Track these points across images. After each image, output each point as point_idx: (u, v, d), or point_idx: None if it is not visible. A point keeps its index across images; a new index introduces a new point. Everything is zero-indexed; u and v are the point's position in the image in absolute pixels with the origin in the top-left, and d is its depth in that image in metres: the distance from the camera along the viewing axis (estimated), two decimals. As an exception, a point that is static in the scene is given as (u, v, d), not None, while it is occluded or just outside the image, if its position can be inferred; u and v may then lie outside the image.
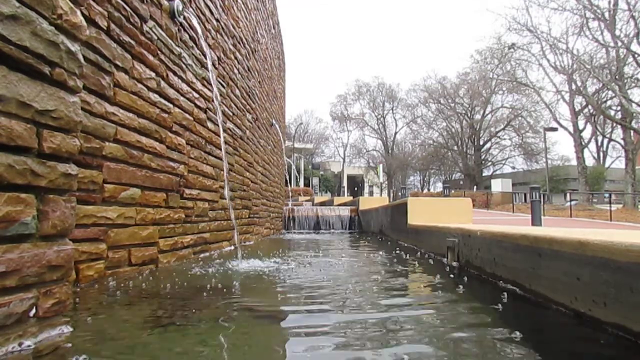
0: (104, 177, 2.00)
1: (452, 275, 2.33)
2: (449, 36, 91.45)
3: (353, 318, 1.38)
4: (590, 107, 24.19)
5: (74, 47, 1.13)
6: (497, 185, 31.10)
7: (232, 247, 4.05)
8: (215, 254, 3.47)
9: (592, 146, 29.83)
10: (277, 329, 1.33)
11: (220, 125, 3.59)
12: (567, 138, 47.86)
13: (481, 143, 37.14)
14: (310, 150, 41.67)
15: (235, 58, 4.53)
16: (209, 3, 3.61)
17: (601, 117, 25.12)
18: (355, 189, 44.66)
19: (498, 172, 39.17)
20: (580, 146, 25.00)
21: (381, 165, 39.46)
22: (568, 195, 24.63)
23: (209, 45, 3.56)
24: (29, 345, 0.98)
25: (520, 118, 34.17)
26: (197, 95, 3.24)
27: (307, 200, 17.75)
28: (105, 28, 2.01)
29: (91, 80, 1.90)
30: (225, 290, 1.83)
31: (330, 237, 6.44)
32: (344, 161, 44.18)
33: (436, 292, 1.88)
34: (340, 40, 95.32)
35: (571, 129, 25.20)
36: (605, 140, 29.16)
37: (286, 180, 11.63)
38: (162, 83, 2.64)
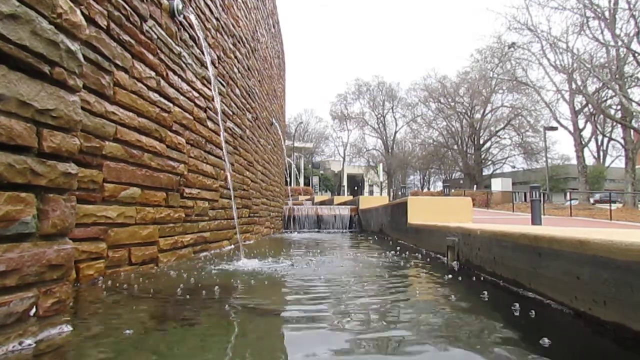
0: (104, 177, 2.00)
1: (452, 275, 2.33)
2: (449, 36, 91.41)
3: (352, 317, 1.38)
4: (590, 106, 24.14)
5: (74, 46, 1.13)
6: (497, 185, 31.09)
7: (232, 246, 4.05)
8: (216, 253, 3.47)
9: (592, 145, 29.82)
10: (278, 326, 1.33)
11: (220, 125, 3.59)
12: (567, 137, 47.90)
13: (481, 142, 37.07)
14: (310, 150, 41.61)
15: (235, 57, 4.53)
16: (209, 2, 3.60)
17: (601, 116, 25.07)
18: (355, 188, 44.65)
19: (498, 171, 39.14)
20: (580, 145, 24.96)
21: (381, 164, 39.38)
22: (568, 194, 24.62)
23: (208, 44, 3.56)
24: (29, 344, 0.98)
25: (520, 117, 34.10)
26: (197, 95, 3.24)
27: (307, 200, 17.74)
28: (105, 27, 2.00)
29: (91, 79, 1.89)
30: (225, 289, 1.83)
31: (330, 236, 6.44)
32: (344, 160, 44.15)
33: (436, 291, 1.88)
34: (341, 39, 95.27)
35: (571, 128, 25.16)
36: (606, 140, 29.13)
37: (286, 180, 11.63)
38: (162, 82, 2.63)
